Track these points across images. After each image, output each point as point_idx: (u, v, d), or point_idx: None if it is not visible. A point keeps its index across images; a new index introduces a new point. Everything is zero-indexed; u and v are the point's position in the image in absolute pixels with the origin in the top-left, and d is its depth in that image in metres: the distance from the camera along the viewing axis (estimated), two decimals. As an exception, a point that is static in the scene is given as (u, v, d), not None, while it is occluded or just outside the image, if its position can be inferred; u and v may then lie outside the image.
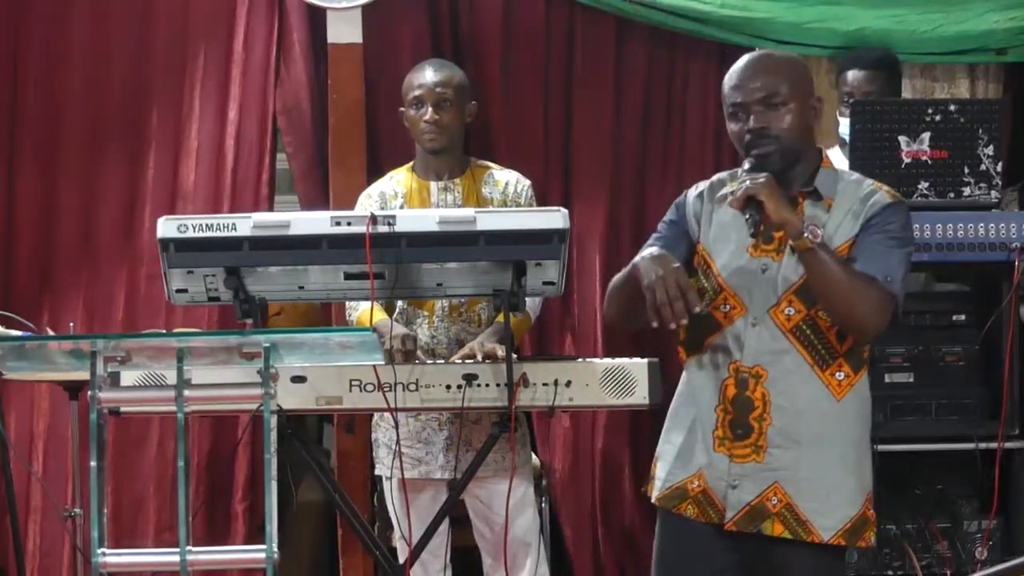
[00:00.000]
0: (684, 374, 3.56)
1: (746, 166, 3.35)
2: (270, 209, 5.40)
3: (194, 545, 3.69)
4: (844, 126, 4.79)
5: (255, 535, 5.32)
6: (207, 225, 4.03)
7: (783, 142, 3.36)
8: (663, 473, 3.53)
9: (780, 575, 3.40)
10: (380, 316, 4.56)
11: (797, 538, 3.35)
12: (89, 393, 3.65)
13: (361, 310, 4.66)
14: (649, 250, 3.40)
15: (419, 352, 4.52)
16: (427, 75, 4.72)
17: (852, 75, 5.08)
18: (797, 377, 3.36)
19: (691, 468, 3.45)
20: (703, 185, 3.55)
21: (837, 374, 3.37)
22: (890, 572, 4.52)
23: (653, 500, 3.56)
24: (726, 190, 3.35)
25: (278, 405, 3.85)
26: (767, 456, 3.35)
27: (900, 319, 3.36)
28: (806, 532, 3.34)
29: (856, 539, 3.38)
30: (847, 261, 3.32)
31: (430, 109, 4.68)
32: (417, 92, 4.71)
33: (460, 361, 4.39)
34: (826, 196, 3.40)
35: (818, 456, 3.36)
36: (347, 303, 4.72)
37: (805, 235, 3.25)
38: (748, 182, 3.28)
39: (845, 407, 3.38)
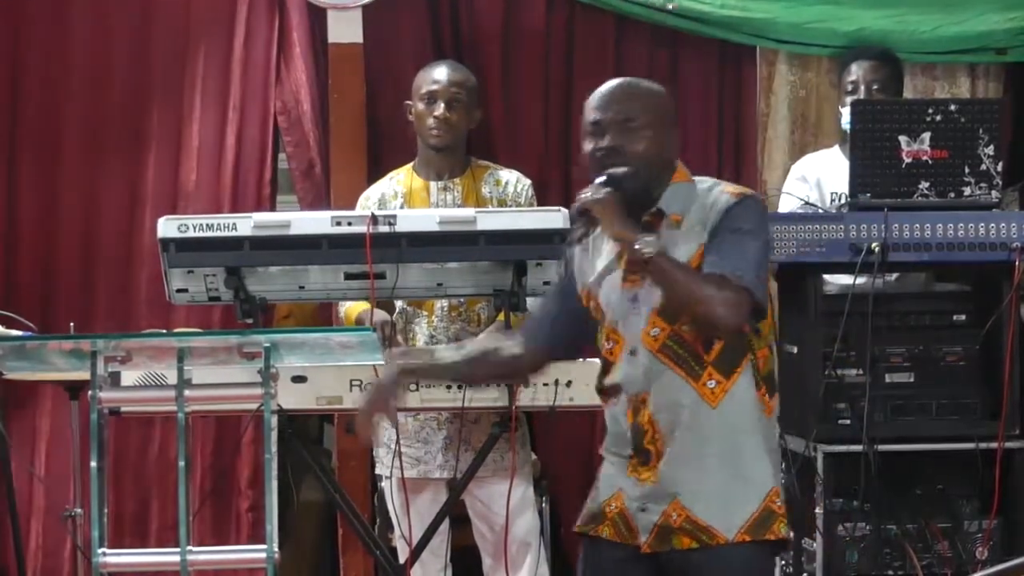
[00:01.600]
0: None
1: (597, 181, 3.38)
2: (272, 209, 5.40)
3: (199, 544, 3.69)
4: (846, 117, 4.79)
5: (254, 535, 5.32)
6: (207, 225, 4.04)
7: (635, 163, 3.38)
8: (588, 501, 3.54)
9: None
10: (363, 306, 4.57)
11: (704, 544, 3.38)
12: (90, 393, 3.66)
13: (349, 303, 4.67)
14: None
15: (399, 338, 4.51)
16: (443, 73, 4.74)
17: (856, 65, 5.07)
18: (673, 394, 3.38)
19: (610, 491, 3.47)
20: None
21: (708, 383, 3.37)
22: (890, 572, 4.52)
23: (575, 529, 3.55)
24: (575, 210, 3.40)
25: (278, 405, 3.85)
26: (660, 475, 3.39)
27: (763, 308, 3.34)
28: (710, 537, 3.37)
29: (764, 532, 3.37)
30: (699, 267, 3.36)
31: (442, 106, 4.69)
32: (432, 87, 4.71)
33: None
34: (672, 213, 3.42)
35: (705, 466, 3.38)
36: (336, 302, 4.72)
37: (636, 246, 3.28)
38: (587, 195, 3.34)
39: (723, 413, 3.38)
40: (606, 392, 3.49)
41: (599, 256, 3.49)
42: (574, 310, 3.52)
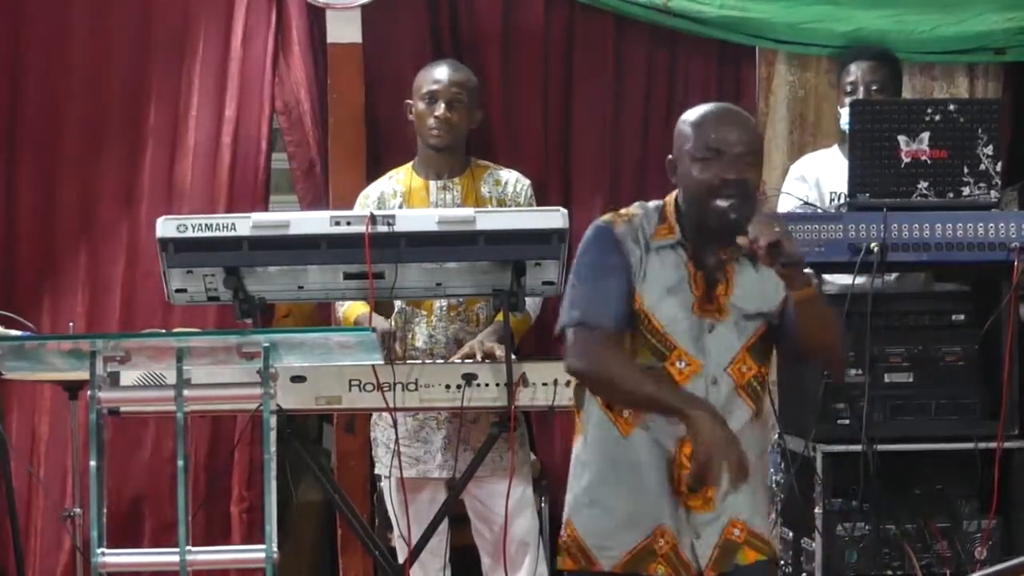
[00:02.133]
0: (613, 429, 3.44)
1: (732, 216, 3.28)
2: (265, 208, 5.40)
3: (192, 546, 3.69)
4: (845, 117, 4.79)
5: (252, 535, 5.31)
6: (207, 225, 4.03)
7: (753, 197, 3.34)
8: (606, 542, 3.45)
9: None
10: (361, 309, 4.57)
11: (768, 556, 3.44)
12: (89, 393, 3.66)
13: (347, 306, 4.67)
14: (710, 411, 3.31)
15: (397, 347, 4.52)
16: (444, 73, 4.73)
17: (856, 66, 5.08)
18: (752, 429, 3.43)
19: (647, 528, 3.41)
20: (623, 226, 3.41)
21: (760, 414, 3.48)
22: (889, 572, 4.52)
23: (609, 568, 3.44)
24: (742, 240, 3.27)
25: (278, 405, 3.86)
26: (719, 501, 3.39)
27: None
28: (770, 549, 3.46)
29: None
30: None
31: (442, 106, 4.69)
32: (433, 87, 4.71)
33: (460, 361, 4.39)
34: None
35: (754, 483, 3.42)
36: (335, 302, 4.72)
37: (807, 276, 3.31)
38: (777, 230, 3.23)
39: (761, 428, 3.52)
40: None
41: (655, 273, 3.39)
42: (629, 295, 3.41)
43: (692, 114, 3.39)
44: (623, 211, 3.45)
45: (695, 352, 3.37)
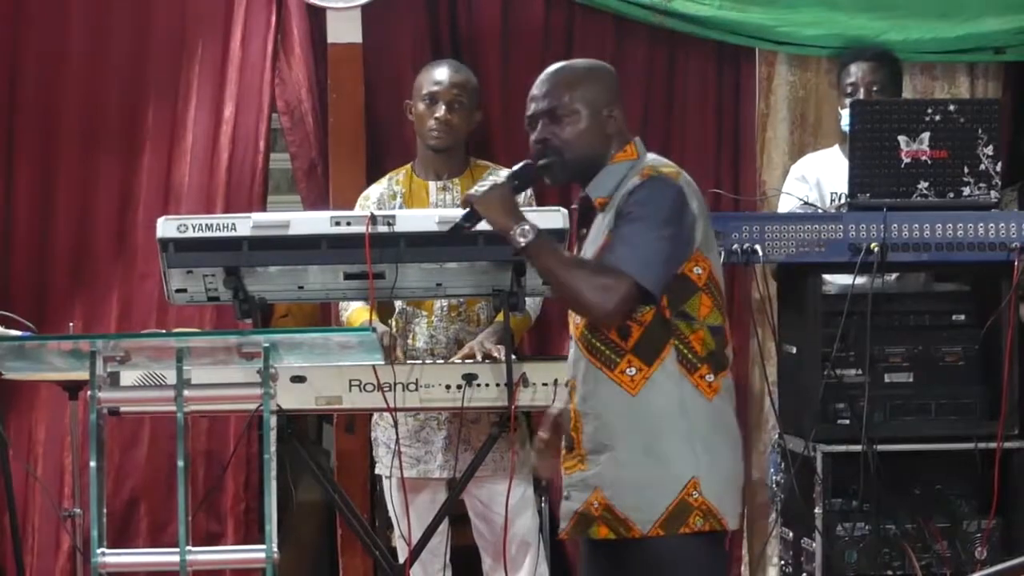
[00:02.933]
0: None
1: (501, 174, 3.53)
2: (263, 208, 5.40)
3: (190, 546, 3.68)
4: (846, 118, 4.79)
5: (248, 536, 5.31)
6: (207, 225, 4.03)
7: (565, 154, 3.44)
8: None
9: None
10: (364, 316, 4.57)
11: (620, 537, 3.38)
12: (89, 393, 3.65)
13: (351, 310, 4.67)
14: None
15: (399, 352, 4.51)
16: (444, 74, 4.73)
17: (856, 66, 5.08)
18: (592, 382, 3.40)
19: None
20: (685, 186, 3.43)
21: (628, 371, 3.36)
22: (889, 572, 4.52)
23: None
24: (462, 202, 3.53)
25: (278, 405, 3.85)
26: (587, 463, 3.40)
27: (653, 292, 3.31)
28: (626, 529, 3.36)
29: (678, 526, 3.34)
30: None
31: (443, 107, 4.69)
32: (433, 88, 4.71)
33: (460, 361, 4.39)
34: (598, 197, 3.45)
35: (626, 453, 3.37)
36: (341, 302, 4.72)
37: (511, 234, 3.37)
38: (477, 188, 3.45)
39: (644, 401, 3.36)
40: None
41: (708, 233, 3.46)
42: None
43: None
44: (672, 166, 3.47)
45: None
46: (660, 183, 3.38)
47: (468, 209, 3.48)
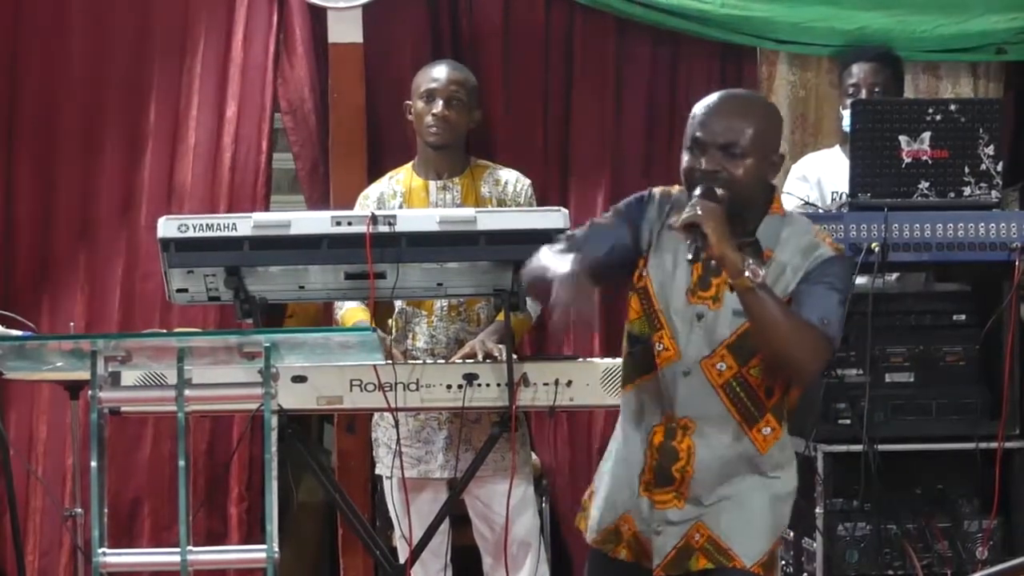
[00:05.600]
0: (623, 400, 3.49)
1: (698, 192, 3.25)
2: (266, 208, 5.40)
3: (191, 546, 3.68)
4: (847, 118, 4.79)
5: (250, 535, 5.32)
6: (208, 225, 4.03)
7: (733, 192, 3.26)
8: (596, 513, 3.49)
9: None
10: (358, 316, 4.57)
11: (720, 565, 3.34)
12: (90, 393, 3.65)
13: (345, 309, 4.67)
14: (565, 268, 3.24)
15: (397, 352, 4.51)
16: (442, 72, 4.74)
17: (857, 67, 5.08)
18: (723, 433, 3.33)
19: (619, 509, 3.43)
20: (660, 195, 3.41)
21: (764, 429, 3.35)
22: (890, 572, 4.52)
23: (588, 540, 3.52)
24: (673, 221, 3.26)
25: (279, 405, 3.85)
26: (687, 504, 3.35)
27: (833, 360, 3.38)
28: (728, 559, 3.33)
29: (771, 572, 3.37)
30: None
31: (441, 104, 4.68)
32: (431, 86, 4.71)
33: (460, 360, 4.39)
34: (766, 247, 3.33)
35: (739, 498, 3.35)
36: (335, 302, 4.72)
37: (746, 273, 3.17)
38: (698, 209, 3.20)
39: (771, 458, 3.37)
40: (636, 386, 3.41)
41: (662, 251, 3.37)
42: (626, 258, 3.37)
43: (700, 101, 3.36)
44: (675, 187, 3.42)
45: (679, 338, 3.32)
46: (849, 264, 3.44)
47: (691, 230, 3.18)
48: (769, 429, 3.34)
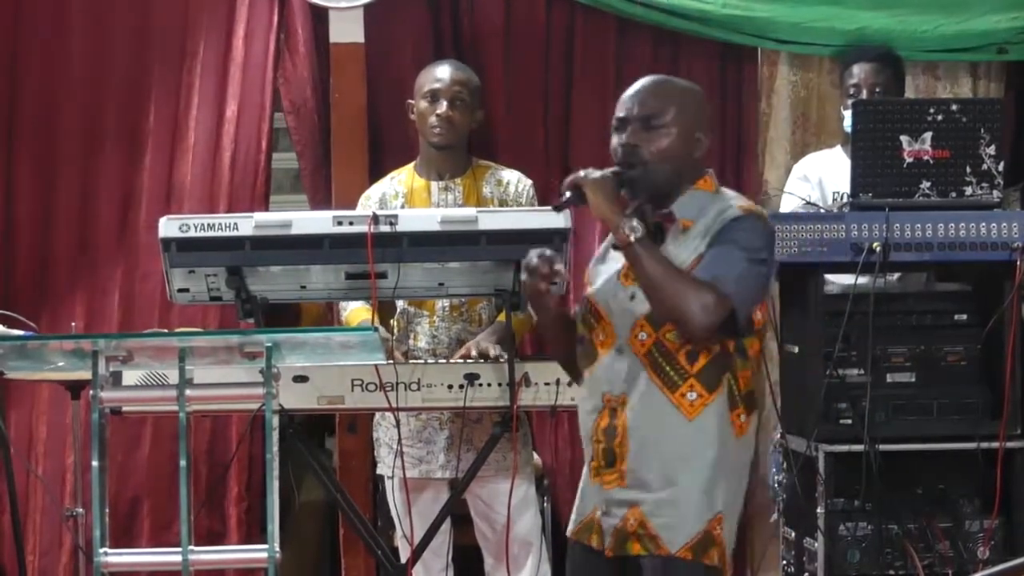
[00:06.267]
0: (579, 398, 3.61)
1: (607, 169, 3.42)
2: (265, 208, 5.40)
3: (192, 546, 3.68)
4: (848, 119, 4.79)
5: (249, 535, 5.31)
6: (209, 225, 4.03)
7: (650, 166, 3.40)
8: (575, 506, 3.57)
9: None
10: (363, 316, 4.57)
11: (650, 553, 3.38)
12: (91, 393, 3.65)
13: (350, 310, 4.67)
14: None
15: (398, 354, 4.51)
16: (446, 72, 4.74)
17: (858, 68, 5.08)
18: (650, 401, 3.38)
19: (590, 500, 3.50)
20: None
21: (688, 395, 3.37)
22: (892, 572, 4.52)
23: (568, 533, 3.58)
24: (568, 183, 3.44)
25: (280, 405, 3.85)
26: (628, 479, 3.40)
27: (742, 322, 3.33)
28: (655, 546, 3.37)
29: (702, 555, 3.37)
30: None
31: (444, 104, 4.68)
32: (435, 86, 4.71)
33: (461, 360, 4.39)
34: (684, 218, 3.41)
35: (671, 474, 3.38)
36: (340, 302, 4.72)
37: (622, 230, 3.31)
38: (583, 173, 3.39)
39: (697, 427, 3.37)
40: (585, 380, 3.51)
41: (606, 261, 3.52)
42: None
43: None
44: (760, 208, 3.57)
45: (614, 320, 3.43)
46: (762, 222, 3.42)
47: (575, 189, 3.39)
48: (695, 395, 3.37)
